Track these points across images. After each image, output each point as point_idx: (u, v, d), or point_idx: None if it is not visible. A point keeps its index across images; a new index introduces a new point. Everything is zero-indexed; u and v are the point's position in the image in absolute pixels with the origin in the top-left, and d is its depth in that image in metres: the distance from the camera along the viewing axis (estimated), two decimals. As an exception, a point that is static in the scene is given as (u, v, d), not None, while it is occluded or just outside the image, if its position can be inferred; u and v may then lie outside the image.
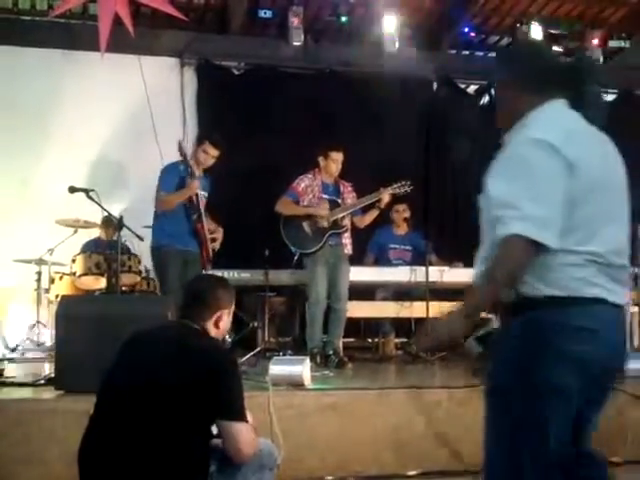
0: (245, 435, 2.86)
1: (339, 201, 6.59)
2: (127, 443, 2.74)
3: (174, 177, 5.95)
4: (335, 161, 6.52)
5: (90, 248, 7.48)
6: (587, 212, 2.17)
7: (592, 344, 2.16)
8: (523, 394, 2.16)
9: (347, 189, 6.70)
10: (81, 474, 2.83)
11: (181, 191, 5.90)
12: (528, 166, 2.14)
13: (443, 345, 2.28)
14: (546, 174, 2.13)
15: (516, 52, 2.49)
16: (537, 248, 2.09)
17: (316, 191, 6.54)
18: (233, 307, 3.18)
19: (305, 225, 6.46)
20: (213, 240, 6.14)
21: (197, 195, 5.94)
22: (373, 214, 6.76)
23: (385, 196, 6.65)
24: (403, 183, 6.83)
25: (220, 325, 3.08)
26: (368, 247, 7.74)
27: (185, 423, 2.78)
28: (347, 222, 6.60)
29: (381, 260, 7.69)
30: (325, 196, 6.56)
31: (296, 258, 6.61)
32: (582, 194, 2.16)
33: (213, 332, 3.06)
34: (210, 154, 6.09)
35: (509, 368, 2.19)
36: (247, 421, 2.90)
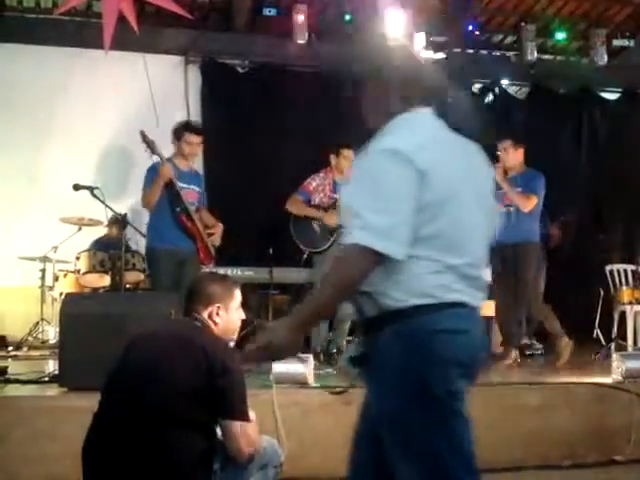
0: (246, 434, 2.86)
1: None
2: (130, 441, 2.75)
3: (154, 174, 5.88)
4: (347, 158, 6.50)
5: (98, 246, 7.49)
6: (443, 222, 2.13)
7: (467, 344, 2.16)
8: (424, 409, 2.11)
9: None
10: (85, 471, 2.84)
11: (155, 181, 5.83)
12: (376, 176, 2.11)
13: (272, 356, 2.23)
14: (393, 184, 2.09)
15: (380, 61, 2.44)
16: (377, 258, 2.05)
17: (327, 190, 6.54)
18: (234, 304, 3.15)
19: (314, 224, 6.46)
20: (210, 235, 6.12)
21: (173, 185, 5.84)
22: None
23: None
24: None
25: (216, 320, 3.07)
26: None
27: (188, 421, 2.79)
28: None
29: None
30: (335, 195, 6.54)
31: (305, 256, 6.60)
32: (437, 204, 2.12)
33: (213, 328, 3.06)
34: (194, 142, 6.07)
35: (399, 389, 2.13)
36: (249, 420, 2.90)
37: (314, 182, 6.55)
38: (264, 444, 3.06)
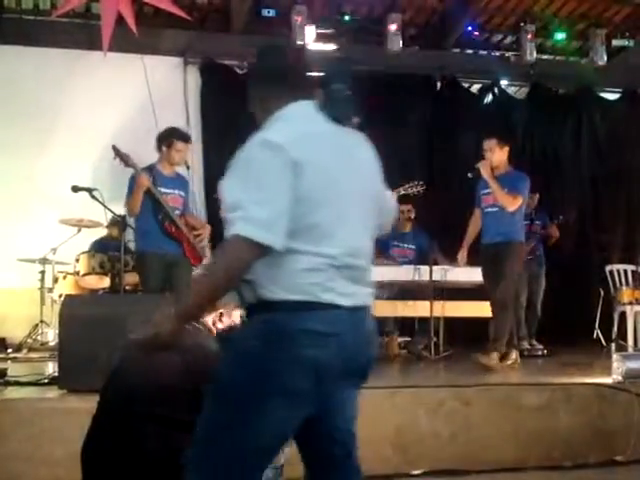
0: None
1: None
2: (129, 443, 2.75)
3: (134, 183, 5.84)
4: None
5: (98, 248, 7.48)
6: (321, 214, 2.15)
7: (329, 348, 2.15)
8: (250, 395, 2.14)
9: None
10: (84, 473, 2.84)
11: (135, 190, 5.79)
12: (253, 168, 2.14)
13: (155, 344, 2.25)
14: (271, 175, 2.11)
15: (262, 54, 2.47)
16: (260, 250, 2.08)
17: None
18: (237, 310, 3.15)
19: None
20: (196, 236, 6.09)
21: (153, 192, 5.81)
22: None
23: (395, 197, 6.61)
24: (416, 183, 6.81)
25: (219, 326, 3.07)
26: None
27: (187, 423, 2.77)
28: None
29: (383, 257, 7.65)
30: None
31: None
32: (314, 196, 2.14)
33: (219, 325, 3.06)
34: (183, 150, 6.02)
35: (241, 369, 2.16)
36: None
37: None
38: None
